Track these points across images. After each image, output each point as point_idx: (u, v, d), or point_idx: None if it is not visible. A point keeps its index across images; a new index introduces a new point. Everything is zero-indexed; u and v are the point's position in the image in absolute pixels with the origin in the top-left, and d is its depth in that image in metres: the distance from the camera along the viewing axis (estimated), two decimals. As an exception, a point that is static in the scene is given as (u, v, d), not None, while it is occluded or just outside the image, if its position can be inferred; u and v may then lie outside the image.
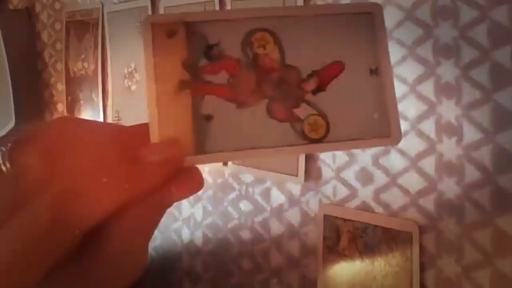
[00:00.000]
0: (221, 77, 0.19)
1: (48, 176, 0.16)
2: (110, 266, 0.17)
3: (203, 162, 0.18)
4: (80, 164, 0.16)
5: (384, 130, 0.19)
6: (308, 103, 0.19)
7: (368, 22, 0.20)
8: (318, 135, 0.19)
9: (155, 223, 0.18)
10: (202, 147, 0.18)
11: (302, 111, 0.19)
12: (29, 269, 0.15)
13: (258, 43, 0.19)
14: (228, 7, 0.49)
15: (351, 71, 0.20)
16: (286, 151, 0.19)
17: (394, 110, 0.19)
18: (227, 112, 0.19)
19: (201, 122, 0.19)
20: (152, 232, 0.18)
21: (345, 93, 0.20)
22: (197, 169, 0.19)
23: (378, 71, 0.20)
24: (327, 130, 0.19)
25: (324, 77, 0.20)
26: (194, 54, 0.19)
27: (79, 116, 0.64)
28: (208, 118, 0.19)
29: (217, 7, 0.50)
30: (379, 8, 0.20)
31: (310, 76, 0.19)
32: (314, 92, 0.19)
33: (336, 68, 0.20)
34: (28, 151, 0.16)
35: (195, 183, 0.18)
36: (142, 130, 0.18)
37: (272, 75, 0.19)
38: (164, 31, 0.19)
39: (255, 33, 0.20)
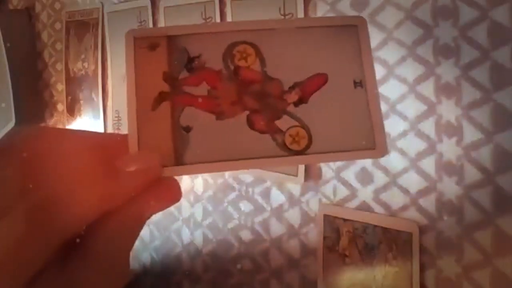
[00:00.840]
0: (202, 89, 0.19)
1: (25, 187, 0.15)
2: (93, 277, 0.17)
3: (182, 173, 0.18)
4: (57, 174, 0.16)
5: (369, 142, 0.19)
6: (290, 114, 0.19)
7: (353, 35, 0.20)
8: (300, 147, 0.19)
9: (134, 235, 0.18)
10: (181, 158, 0.18)
11: (283, 122, 0.19)
12: (7, 279, 0.15)
13: (240, 56, 0.19)
14: (228, 7, 0.49)
15: (335, 83, 0.19)
16: (267, 163, 0.19)
17: (379, 122, 0.19)
18: (206, 123, 0.19)
19: (180, 133, 0.19)
20: (132, 243, 0.18)
21: (328, 105, 0.19)
22: (175, 180, 0.19)
23: (363, 84, 0.20)
24: (309, 142, 0.19)
25: (307, 89, 0.19)
26: (175, 66, 0.19)
27: (79, 117, 0.64)
28: (187, 129, 0.19)
29: (217, 7, 0.50)
30: (363, 21, 0.20)
31: (292, 88, 0.19)
32: (296, 104, 0.19)
33: (319, 80, 0.20)
34: (3, 162, 0.16)
35: (173, 194, 0.18)
36: (121, 139, 0.18)
37: (254, 87, 0.19)
38: (146, 44, 0.19)
39: (236, 46, 0.20)
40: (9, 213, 0.15)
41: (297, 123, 0.19)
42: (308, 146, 0.19)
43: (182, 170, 0.18)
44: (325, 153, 0.19)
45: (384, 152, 0.19)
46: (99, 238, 0.17)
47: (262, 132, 0.19)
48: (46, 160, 0.16)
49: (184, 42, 0.20)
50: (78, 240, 0.17)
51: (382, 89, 0.40)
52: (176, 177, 0.19)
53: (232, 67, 0.19)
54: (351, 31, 0.20)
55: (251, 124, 0.19)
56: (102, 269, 0.17)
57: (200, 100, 0.19)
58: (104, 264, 0.17)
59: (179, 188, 0.19)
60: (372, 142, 0.19)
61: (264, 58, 0.20)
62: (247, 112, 0.19)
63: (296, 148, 0.19)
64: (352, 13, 0.41)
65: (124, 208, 0.17)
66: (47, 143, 0.17)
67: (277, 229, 0.47)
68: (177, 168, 0.18)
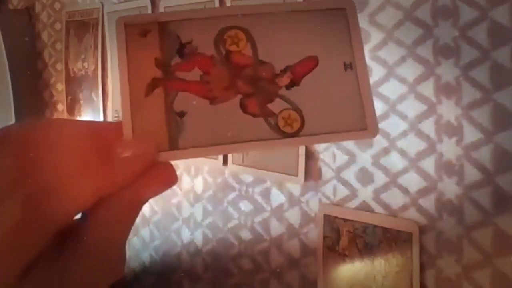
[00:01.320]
0: (194, 74, 0.19)
1: (20, 175, 0.16)
2: (89, 266, 0.17)
3: (177, 157, 0.19)
4: (52, 162, 0.16)
5: (360, 123, 0.19)
6: (282, 97, 0.19)
7: (342, 18, 0.20)
8: (293, 129, 0.19)
9: (130, 220, 0.18)
10: (176, 143, 0.18)
11: (276, 105, 0.19)
12: (3, 266, 0.15)
13: (231, 41, 0.20)
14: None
15: (326, 66, 0.20)
16: (261, 146, 0.19)
17: (369, 103, 0.20)
18: (200, 108, 0.19)
19: (175, 118, 0.19)
20: (128, 230, 0.18)
21: (320, 87, 0.20)
22: (170, 164, 0.19)
23: (353, 66, 0.20)
24: (302, 124, 0.19)
25: (298, 72, 0.20)
26: (167, 52, 0.19)
27: (79, 117, 0.64)
28: (181, 114, 0.19)
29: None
30: (352, 4, 0.20)
31: (283, 71, 0.20)
32: (288, 87, 0.19)
33: (310, 63, 0.20)
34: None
35: (169, 178, 0.19)
36: (116, 126, 0.18)
37: (246, 71, 0.20)
38: (137, 31, 0.19)
39: (227, 31, 0.20)
40: (4, 201, 0.15)
41: (289, 106, 0.19)
42: (300, 129, 0.19)
43: (177, 154, 0.18)
44: (318, 135, 0.19)
45: (375, 132, 0.19)
46: (95, 224, 0.17)
47: (255, 115, 0.19)
48: (41, 148, 0.16)
49: (176, 28, 0.20)
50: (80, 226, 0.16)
51: (382, 89, 0.40)
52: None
53: (223, 52, 0.20)
54: (340, 14, 0.20)
55: (244, 108, 0.19)
56: (98, 257, 0.17)
57: (193, 85, 0.19)
58: (100, 252, 0.17)
59: (174, 171, 0.19)
60: (363, 123, 0.19)
61: (255, 43, 0.20)
62: (240, 96, 0.19)
63: (289, 131, 0.19)
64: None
65: (120, 193, 0.17)
66: (42, 132, 0.17)
67: (277, 229, 0.47)
68: (171, 153, 0.18)
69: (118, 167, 0.17)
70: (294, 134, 0.19)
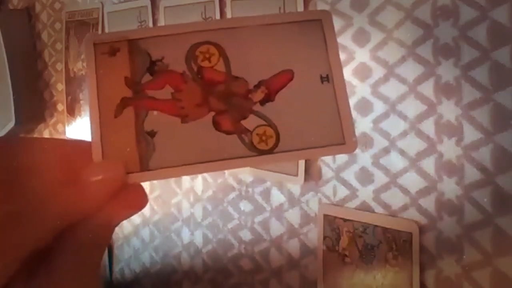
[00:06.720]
0: (165, 92, 0.19)
1: None
2: None
3: (148, 179, 0.18)
4: (21, 186, 0.16)
5: (338, 138, 0.19)
6: (256, 114, 0.19)
7: (318, 29, 0.20)
8: (268, 146, 0.19)
9: (102, 244, 0.18)
10: (147, 163, 0.18)
11: (250, 122, 0.19)
12: None
13: (203, 56, 0.19)
14: (228, 7, 0.49)
15: (301, 79, 0.19)
16: (235, 164, 0.18)
17: (347, 117, 0.19)
18: (171, 127, 0.18)
19: (145, 138, 0.18)
20: (100, 254, 0.18)
21: (295, 101, 0.19)
22: (141, 187, 0.18)
23: (330, 78, 0.19)
24: (277, 140, 0.19)
25: (272, 87, 0.19)
26: (137, 70, 0.19)
27: (79, 117, 0.64)
28: (152, 134, 0.18)
29: (217, 7, 0.50)
30: (328, 14, 0.20)
31: (257, 86, 0.19)
32: (262, 102, 0.19)
33: (284, 77, 0.19)
34: None
35: (139, 202, 0.18)
36: (87, 146, 0.18)
37: (218, 88, 0.19)
38: (106, 49, 0.19)
39: (199, 46, 0.19)
40: None
41: (264, 122, 0.19)
42: (276, 145, 0.19)
43: (148, 176, 0.18)
44: (294, 151, 0.19)
45: (353, 146, 0.19)
46: (66, 249, 0.16)
47: (228, 133, 0.19)
48: (9, 172, 0.16)
49: (146, 45, 0.19)
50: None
51: (382, 89, 0.40)
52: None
53: (195, 69, 0.19)
54: (315, 26, 0.20)
55: (217, 125, 0.19)
56: (70, 283, 0.16)
57: (163, 103, 0.19)
58: (72, 278, 0.16)
59: (145, 194, 0.18)
60: (341, 138, 0.19)
61: (228, 58, 0.19)
62: (212, 114, 0.19)
63: (264, 148, 0.19)
64: (352, 13, 0.41)
65: (90, 218, 0.17)
66: (10, 156, 0.17)
67: (277, 229, 0.47)
68: (142, 174, 0.18)
69: (87, 191, 0.17)
70: (269, 151, 0.19)
